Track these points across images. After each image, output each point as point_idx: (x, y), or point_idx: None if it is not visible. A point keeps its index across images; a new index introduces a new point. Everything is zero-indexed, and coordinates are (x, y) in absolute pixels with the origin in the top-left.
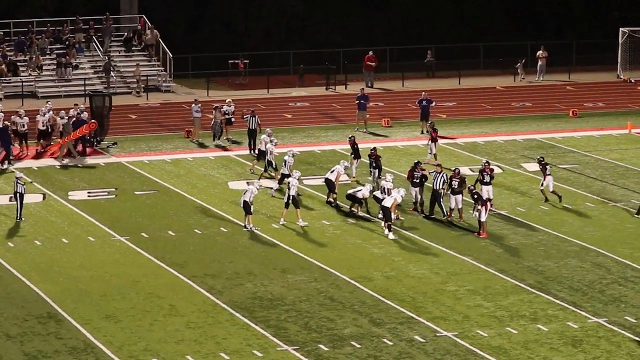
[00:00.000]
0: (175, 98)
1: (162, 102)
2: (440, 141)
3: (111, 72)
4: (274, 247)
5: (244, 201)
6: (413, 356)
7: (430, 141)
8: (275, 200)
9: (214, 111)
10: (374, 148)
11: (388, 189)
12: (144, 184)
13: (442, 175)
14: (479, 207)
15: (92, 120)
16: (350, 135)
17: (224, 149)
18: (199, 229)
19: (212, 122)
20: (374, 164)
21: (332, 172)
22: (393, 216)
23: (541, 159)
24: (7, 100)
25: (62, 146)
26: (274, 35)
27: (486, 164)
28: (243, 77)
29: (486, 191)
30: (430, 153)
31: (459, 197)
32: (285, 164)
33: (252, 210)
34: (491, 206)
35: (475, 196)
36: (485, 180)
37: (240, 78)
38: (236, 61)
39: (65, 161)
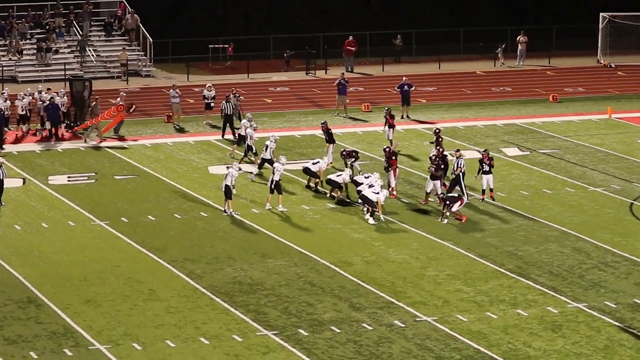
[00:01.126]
0: (155, 83)
1: (142, 86)
2: (421, 126)
3: (87, 51)
4: (253, 232)
5: (226, 185)
6: (393, 341)
7: (386, 127)
8: (255, 185)
9: (231, 95)
10: (344, 150)
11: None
12: (124, 169)
13: (461, 160)
14: (447, 212)
15: (120, 103)
16: (322, 121)
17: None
18: (178, 214)
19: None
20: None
21: (314, 163)
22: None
23: (437, 130)
24: None
25: (93, 126)
26: (254, 20)
27: (484, 153)
28: (232, 61)
29: (486, 180)
30: (388, 139)
31: (437, 182)
32: (266, 149)
33: (232, 195)
34: (492, 196)
35: (448, 202)
36: (485, 170)
37: (229, 62)
38: (225, 45)
39: (92, 143)
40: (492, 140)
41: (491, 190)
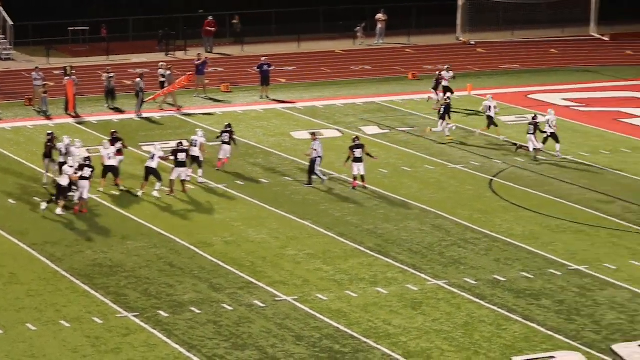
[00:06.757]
0: (15, 66)
1: (3, 70)
2: (280, 105)
3: None
4: (113, 214)
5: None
6: (253, 321)
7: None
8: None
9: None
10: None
11: (200, 142)
12: None
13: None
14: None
15: (190, 73)
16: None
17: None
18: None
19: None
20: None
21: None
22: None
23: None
24: None
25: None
26: (115, 1)
27: (356, 139)
28: (108, 43)
29: (357, 167)
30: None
31: (183, 169)
32: (153, 157)
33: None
34: (363, 182)
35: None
36: (356, 157)
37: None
38: (85, 28)
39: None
40: (351, 119)
41: (362, 177)
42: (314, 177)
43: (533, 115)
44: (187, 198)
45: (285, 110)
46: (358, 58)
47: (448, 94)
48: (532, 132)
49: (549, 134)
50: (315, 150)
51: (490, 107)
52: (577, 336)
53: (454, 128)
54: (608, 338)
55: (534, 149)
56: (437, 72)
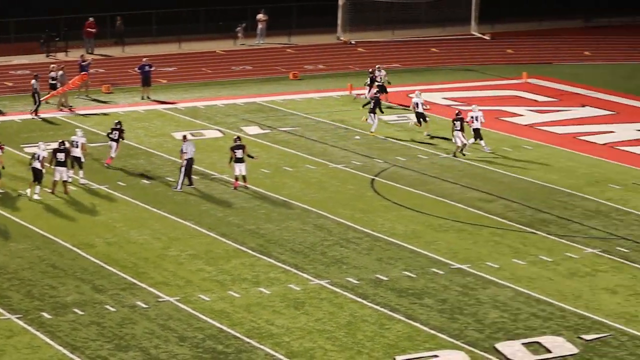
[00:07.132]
0: None
1: None
2: (161, 106)
3: None
4: None
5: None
6: (135, 322)
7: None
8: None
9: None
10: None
11: (81, 143)
12: None
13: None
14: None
15: (84, 72)
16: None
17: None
18: None
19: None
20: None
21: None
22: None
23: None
24: None
25: (60, 95)
26: None
27: (237, 139)
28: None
29: (239, 168)
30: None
31: (63, 169)
32: (39, 157)
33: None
34: (245, 182)
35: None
36: (238, 157)
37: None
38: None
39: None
40: (232, 119)
41: (244, 177)
42: (193, 178)
43: (457, 111)
44: (69, 199)
45: (167, 111)
46: (239, 58)
47: (375, 90)
48: (458, 129)
49: (475, 129)
50: (186, 152)
51: (418, 103)
52: (460, 335)
53: (369, 121)
54: (491, 337)
55: (463, 144)
56: (370, 70)
